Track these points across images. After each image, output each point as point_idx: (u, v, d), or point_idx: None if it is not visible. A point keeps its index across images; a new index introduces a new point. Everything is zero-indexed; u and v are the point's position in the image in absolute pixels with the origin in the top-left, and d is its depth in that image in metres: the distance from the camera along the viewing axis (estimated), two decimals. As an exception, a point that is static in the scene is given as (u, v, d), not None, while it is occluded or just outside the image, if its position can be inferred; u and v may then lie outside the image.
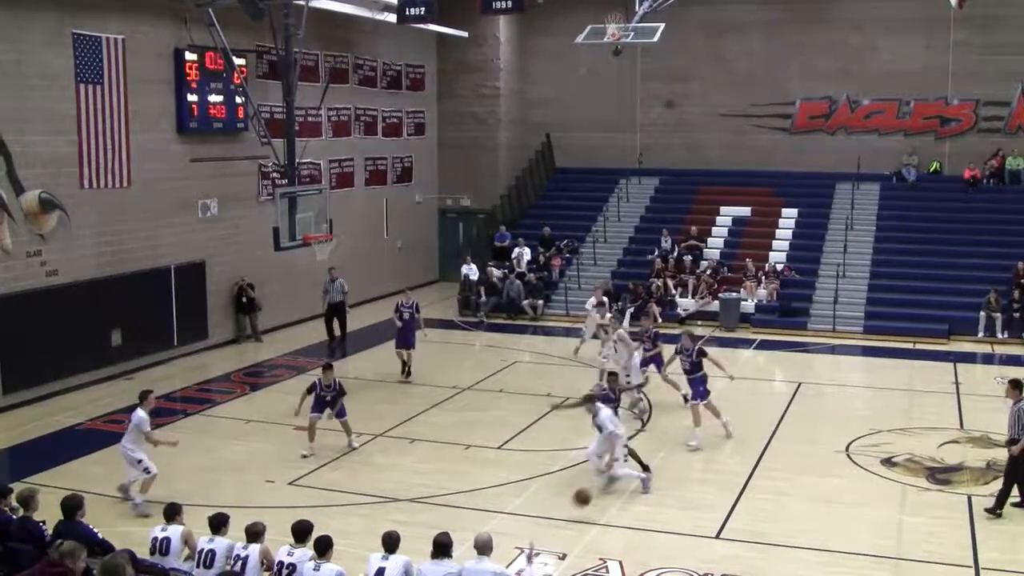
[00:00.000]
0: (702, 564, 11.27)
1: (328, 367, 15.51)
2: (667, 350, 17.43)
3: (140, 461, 13.02)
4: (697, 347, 16.13)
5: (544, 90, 32.20)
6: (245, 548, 9.09)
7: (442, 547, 8.79)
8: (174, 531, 9.38)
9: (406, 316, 19.72)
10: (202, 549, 9.15)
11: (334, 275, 23.32)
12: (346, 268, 26.29)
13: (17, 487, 10.34)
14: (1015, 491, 12.74)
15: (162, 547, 9.28)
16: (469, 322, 25.70)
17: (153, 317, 20.55)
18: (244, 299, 22.81)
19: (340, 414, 15.23)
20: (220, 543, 9.16)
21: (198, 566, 9.10)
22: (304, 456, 14.89)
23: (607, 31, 23.09)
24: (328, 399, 15.12)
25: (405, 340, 19.77)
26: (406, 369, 19.81)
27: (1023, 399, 12.52)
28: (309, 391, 15.19)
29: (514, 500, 13.26)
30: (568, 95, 31.68)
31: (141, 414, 13.06)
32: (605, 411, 13.31)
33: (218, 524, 9.31)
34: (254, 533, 9.19)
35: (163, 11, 20.30)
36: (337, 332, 23.35)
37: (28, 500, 9.52)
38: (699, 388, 15.86)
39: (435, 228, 31.95)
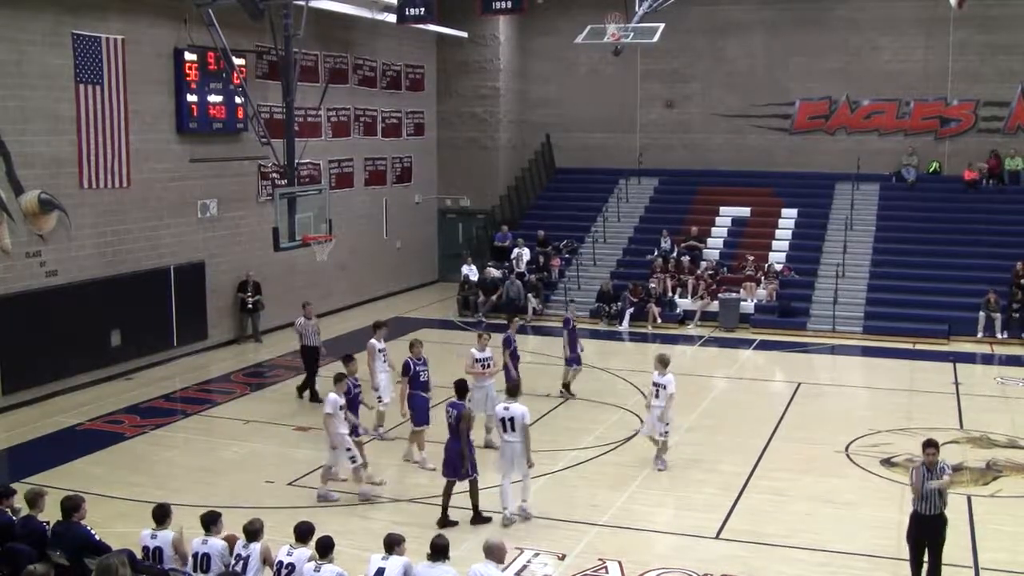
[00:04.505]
0: (701, 564, 11.28)
1: (349, 358, 14.25)
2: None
3: (349, 448, 12.79)
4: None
5: (544, 90, 32.21)
6: (246, 547, 9.08)
7: (440, 549, 8.74)
8: (164, 539, 9.19)
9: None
10: (196, 552, 9.10)
11: (309, 311, 18.37)
12: (346, 268, 26.43)
13: (20, 488, 10.33)
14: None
15: (154, 556, 9.15)
16: (468, 322, 25.67)
17: (153, 317, 20.53)
18: (248, 296, 22.65)
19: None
20: (215, 545, 9.10)
21: (195, 570, 9.07)
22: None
23: (607, 31, 23.11)
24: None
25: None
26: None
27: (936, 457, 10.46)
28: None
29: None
30: (568, 95, 31.69)
31: (331, 396, 12.80)
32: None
33: (209, 522, 9.26)
34: (253, 532, 9.17)
35: (163, 11, 20.29)
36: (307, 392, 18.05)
37: (35, 500, 9.53)
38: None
39: (435, 228, 31.97)
